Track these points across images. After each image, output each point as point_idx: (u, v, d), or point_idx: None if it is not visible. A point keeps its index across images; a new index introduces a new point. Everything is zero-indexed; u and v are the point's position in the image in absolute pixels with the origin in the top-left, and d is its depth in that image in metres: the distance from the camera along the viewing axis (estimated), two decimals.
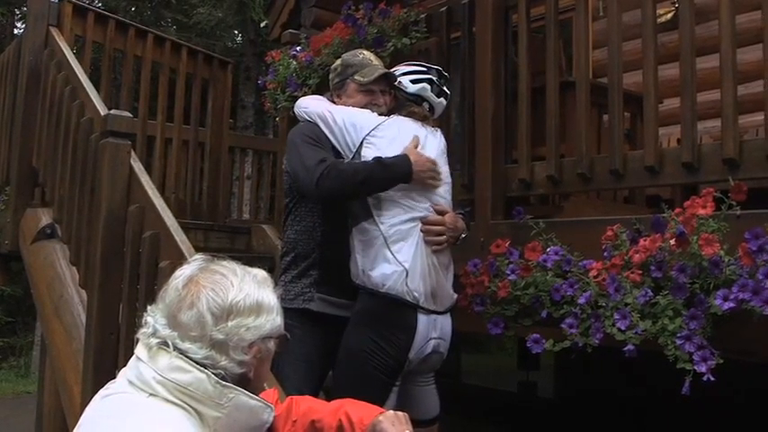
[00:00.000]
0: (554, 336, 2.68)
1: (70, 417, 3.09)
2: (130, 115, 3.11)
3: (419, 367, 2.66)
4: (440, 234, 2.63)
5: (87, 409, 1.49)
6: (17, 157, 4.42)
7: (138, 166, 2.97)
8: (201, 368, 1.40)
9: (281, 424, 1.66)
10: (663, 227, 2.47)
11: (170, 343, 1.42)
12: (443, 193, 2.75)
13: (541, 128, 3.19)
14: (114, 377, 2.74)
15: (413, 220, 2.62)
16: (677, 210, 2.46)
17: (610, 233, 2.63)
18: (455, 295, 2.76)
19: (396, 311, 2.55)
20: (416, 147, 2.68)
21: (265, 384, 1.87)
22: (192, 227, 4.82)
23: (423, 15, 3.75)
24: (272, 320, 1.50)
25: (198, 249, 2.61)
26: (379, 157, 2.60)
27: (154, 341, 1.44)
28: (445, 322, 2.67)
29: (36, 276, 3.84)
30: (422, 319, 2.57)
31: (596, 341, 2.55)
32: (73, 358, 3.17)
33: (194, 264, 1.53)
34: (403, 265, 2.54)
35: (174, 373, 1.39)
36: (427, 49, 3.70)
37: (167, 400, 1.39)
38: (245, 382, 1.47)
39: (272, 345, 1.52)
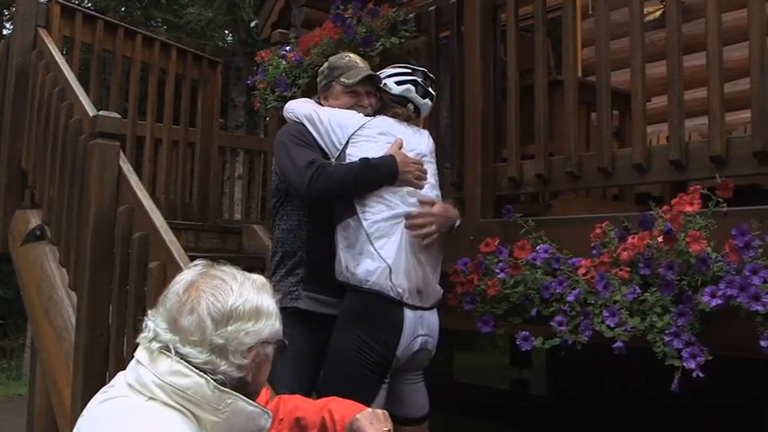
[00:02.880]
0: (544, 333, 2.70)
1: (61, 418, 3.09)
2: (119, 116, 3.11)
3: (407, 365, 2.67)
4: (424, 226, 2.65)
5: (85, 412, 1.49)
6: (6, 159, 4.40)
7: (126, 167, 2.96)
8: (201, 373, 1.41)
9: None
10: (651, 224, 2.48)
11: (171, 347, 1.43)
12: (430, 191, 2.78)
13: (530, 126, 3.19)
14: (105, 378, 2.76)
15: (396, 217, 2.64)
16: (665, 207, 2.47)
17: (598, 231, 2.65)
18: (441, 291, 2.77)
19: (382, 309, 2.56)
20: (400, 147, 2.71)
21: None
22: (183, 227, 4.82)
23: (411, 15, 3.75)
24: (271, 325, 1.52)
25: (188, 250, 2.62)
26: (367, 159, 2.65)
27: (155, 345, 1.45)
28: (432, 319, 2.69)
29: (26, 278, 3.83)
30: (408, 315, 2.58)
31: (585, 338, 2.57)
32: (63, 360, 3.16)
33: (195, 269, 1.54)
34: (386, 261, 2.56)
35: (173, 377, 1.40)
36: (416, 49, 3.71)
37: (166, 404, 1.40)
38: (244, 385, 1.48)
39: (270, 350, 1.53)
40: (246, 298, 1.48)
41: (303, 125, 2.83)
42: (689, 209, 2.35)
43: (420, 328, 2.62)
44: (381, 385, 2.57)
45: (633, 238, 2.50)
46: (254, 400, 1.50)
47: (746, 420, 4.38)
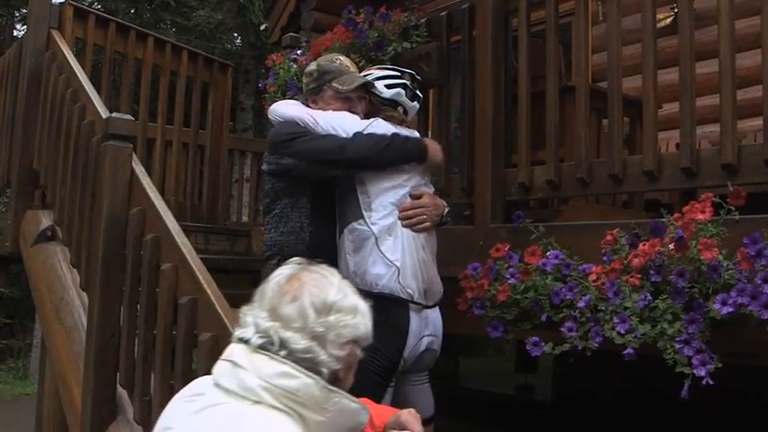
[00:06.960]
0: (553, 339, 2.70)
1: (70, 416, 3.10)
2: (132, 118, 3.11)
3: (413, 366, 2.69)
4: (415, 216, 2.68)
5: (170, 423, 1.45)
6: (18, 160, 4.41)
7: (139, 169, 2.97)
8: (309, 373, 1.40)
9: None
10: (662, 231, 2.48)
11: (272, 334, 1.42)
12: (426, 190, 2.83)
13: (541, 132, 3.20)
14: (115, 379, 2.76)
15: (394, 213, 2.69)
16: (676, 215, 2.47)
17: (609, 237, 2.64)
18: (442, 288, 2.80)
19: (389, 312, 2.57)
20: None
21: None
22: (192, 229, 4.83)
23: (423, 19, 3.76)
24: (365, 324, 1.52)
25: (198, 252, 2.62)
26: (396, 132, 2.72)
27: (256, 340, 1.43)
28: (436, 318, 2.73)
29: (36, 278, 3.84)
30: (414, 317, 2.61)
31: (596, 345, 2.57)
32: (73, 360, 3.17)
33: (293, 266, 1.57)
34: (395, 264, 2.60)
35: (281, 380, 1.38)
36: (427, 54, 3.71)
37: (273, 407, 1.37)
38: (336, 383, 1.46)
39: (359, 352, 1.53)
40: (346, 294, 1.50)
41: (295, 123, 2.81)
42: (701, 217, 2.35)
43: (425, 328, 2.65)
44: (387, 388, 2.58)
45: (644, 244, 2.50)
46: None
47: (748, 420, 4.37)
